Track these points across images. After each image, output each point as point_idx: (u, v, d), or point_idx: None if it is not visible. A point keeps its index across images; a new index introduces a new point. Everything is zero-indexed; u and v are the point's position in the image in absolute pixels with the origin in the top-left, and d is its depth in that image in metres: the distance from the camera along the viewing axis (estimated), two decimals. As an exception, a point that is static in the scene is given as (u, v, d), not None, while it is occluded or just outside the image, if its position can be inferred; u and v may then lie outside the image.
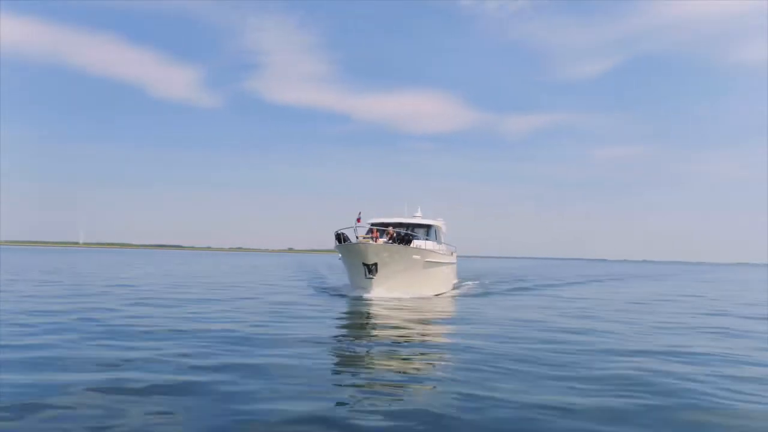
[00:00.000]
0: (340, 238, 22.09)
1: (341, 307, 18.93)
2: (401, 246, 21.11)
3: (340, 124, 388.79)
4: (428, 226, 26.31)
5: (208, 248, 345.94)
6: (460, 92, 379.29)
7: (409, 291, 22.04)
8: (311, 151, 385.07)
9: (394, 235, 22.27)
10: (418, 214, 29.68)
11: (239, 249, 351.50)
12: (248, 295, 22.30)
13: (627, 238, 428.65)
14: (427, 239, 25.39)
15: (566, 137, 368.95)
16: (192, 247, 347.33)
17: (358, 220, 21.57)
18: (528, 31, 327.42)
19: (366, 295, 21.32)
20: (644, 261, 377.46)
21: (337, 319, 16.00)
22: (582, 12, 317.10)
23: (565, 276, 56.39)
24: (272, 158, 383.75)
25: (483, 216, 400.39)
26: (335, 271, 47.42)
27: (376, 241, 21.47)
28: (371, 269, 20.99)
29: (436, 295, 24.42)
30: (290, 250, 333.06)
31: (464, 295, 25.56)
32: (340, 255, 22.83)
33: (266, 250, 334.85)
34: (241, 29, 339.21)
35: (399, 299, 21.06)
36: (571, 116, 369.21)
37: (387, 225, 25.20)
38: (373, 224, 25.51)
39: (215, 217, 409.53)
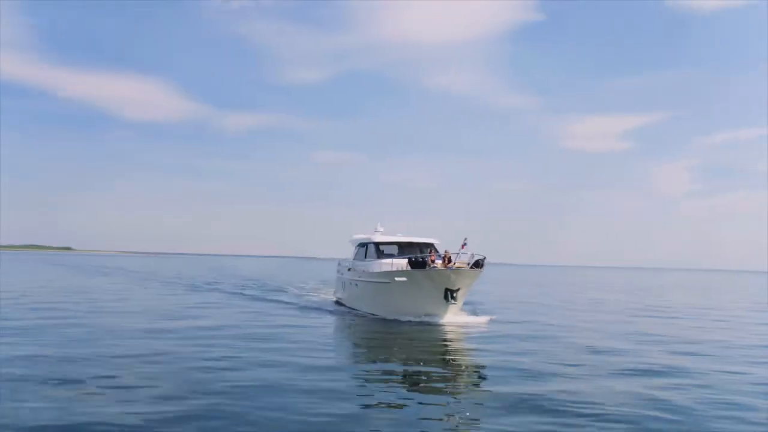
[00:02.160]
0: (418, 263, 21.25)
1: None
2: (478, 270, 20.52)
3: (32, 99, 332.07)
4: (432, 245, 24.88)
5: None
6: (176, 81, 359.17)
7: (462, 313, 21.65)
8: None
9: (450, 257, 21.39)
10: (381, 229, 28.41)
11: None
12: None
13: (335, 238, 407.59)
14: None
15: (285, 139, 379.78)
16: None
17: (463, 246, 20.66)
18: (251, 30, 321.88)
19: (443, 320, 20.69)
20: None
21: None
22: (304, 20, 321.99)
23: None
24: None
25: (201, 213, 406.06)
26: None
27: (447, 265, 20.88)
28: (453, 295, 20.15)
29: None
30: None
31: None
32: (402, 277, 21.15)
33: None
34: None
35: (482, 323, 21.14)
36: (290, 119, 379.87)
37: (405, 244, 24.94)
38: (382, 243, 25.01)
39: None
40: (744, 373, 12.87)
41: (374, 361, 14.22)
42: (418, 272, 20.28)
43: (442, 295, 19.88)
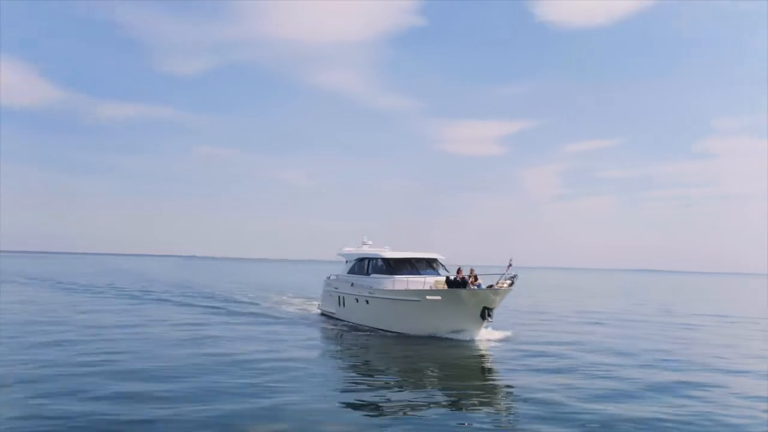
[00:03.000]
0: (456, 283, 21.55)
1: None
2: (510, 288, 21.05)
3: None
4: (436, 260, 25.63)
5: None
6: (44, 66, 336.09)
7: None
8: None
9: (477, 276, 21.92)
10: (369, 242, 29.45)
11: None
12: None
13: (235, 236, 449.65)
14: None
15: (166, 131, 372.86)
16: None
17: (509, 266, 20.76)
18: (127, 17, 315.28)
19: (478, 337, 21.11)
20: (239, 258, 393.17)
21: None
22: (186, 10, 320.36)
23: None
24: None
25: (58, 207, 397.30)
26: None
27: (475, 283, 21.36)
28: (489, 313, 20.71)
29: None
30: None
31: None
32: (436, 296, 21.39)
33: None
34: None
35: (506, 339, 21.74)
36: (170, 111, 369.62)
37: (415, 260, 25.06)
38: (392, 259, 25.00)
39: None
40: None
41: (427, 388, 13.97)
42: (458, 291, 20.81)
43: (479, 313, 20.66)
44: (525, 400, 12.37)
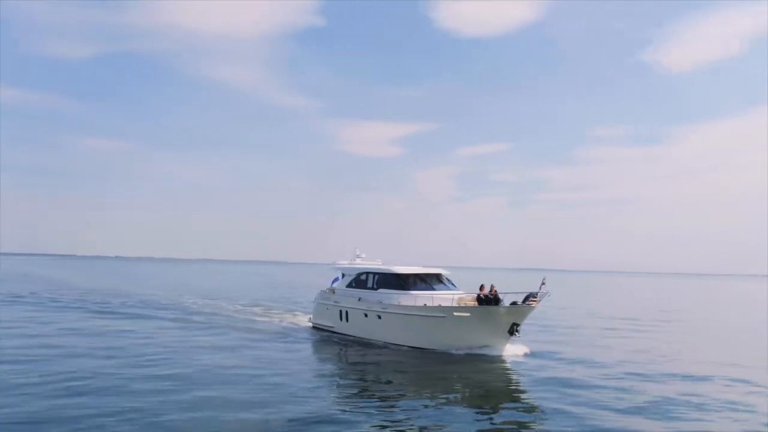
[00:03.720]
0: (489, 300, 22.30)
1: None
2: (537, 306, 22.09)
3: None
4: (440, 274, 26.48)
5: None
6: None
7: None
8: None
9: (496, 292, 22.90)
10: (362, 255, 30.50)
11: None
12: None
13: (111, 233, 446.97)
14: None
15: (39, 120, 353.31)
16: None
17: (542, 284, 21.59)
18: None
19: (503, 353, 22.19)
20: (117, 257, 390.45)
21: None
22: None
23: None
24: None
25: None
26: None
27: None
28: (517, 328, 21.71)
29: None
30: None
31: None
32: (465, 313, 22.23)
33: None
34: None
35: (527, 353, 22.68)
36: (46, 97, 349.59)
37: (424, 275, 25.83)
38: (403, 274, 25.66)
39: None
40: None
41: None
42: (491, 309, 21.91)
43: (507, 329, 21.96)
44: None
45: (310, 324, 31.22)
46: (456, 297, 23.39)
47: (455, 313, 22.32)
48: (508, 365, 20.81)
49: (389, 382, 18.11)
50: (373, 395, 15.98)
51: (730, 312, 54.87)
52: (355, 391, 16.69)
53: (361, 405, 14.53)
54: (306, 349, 24.45)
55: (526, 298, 21.79)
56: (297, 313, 37.63)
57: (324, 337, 27.87)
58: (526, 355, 22.49)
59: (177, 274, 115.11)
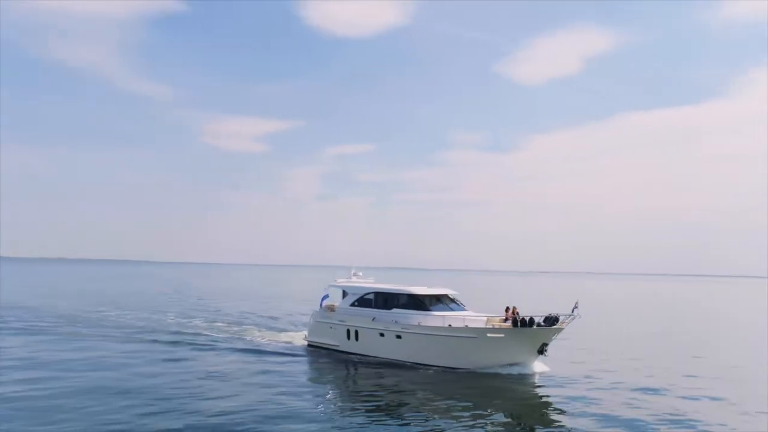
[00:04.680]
0: (524, 322, 23.79)
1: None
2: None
3: None
4: (447, 295, 27.77)
5: None
6: None
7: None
8: None
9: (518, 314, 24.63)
10: (360, 274, 31.61)
11: None
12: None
13: None
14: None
15: None
16: None
17: (575, 308, 23.13)
18: None
19: (536, 370, 24.04)
20: None
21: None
22: None
23: None
24: None
25: None
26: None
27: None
28: (545, 348, 23.62)
29: None
30: None
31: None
32: (500, 334, 23.66)
33: None
34: None
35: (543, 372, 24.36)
36: None
37: (439, 296, 26.97)
38: (420, 295, 26.53)
39: None
40: None
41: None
42: (526, 330, 23.52)
43: (537, 349, 23.83)
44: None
45: (305, 342, 30.94)
46: (485, 318, 24.92)
47: (489, 335, 23.85)
48: (529, 382, 22.80)
49: (429, 402, 19.15)
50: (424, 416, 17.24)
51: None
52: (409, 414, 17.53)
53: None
54: (324, 369, 24.66)
55: (554, 320, 23.84)
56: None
57: (323, 355, 28.07)
58: (553, 372, 24.33)
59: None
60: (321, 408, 18.07)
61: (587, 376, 23.85)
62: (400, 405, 18.70)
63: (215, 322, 40.11)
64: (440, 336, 24.84)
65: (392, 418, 16.98)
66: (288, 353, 28.20)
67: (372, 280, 31.38)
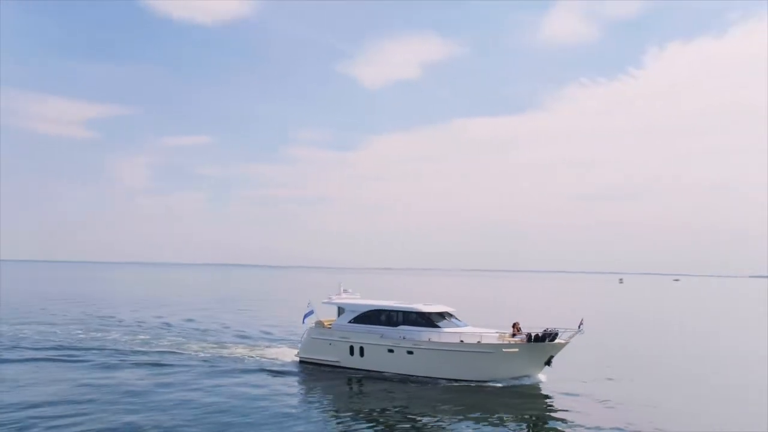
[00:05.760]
0: (538, 338, 26.05)
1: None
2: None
3: None
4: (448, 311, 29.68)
5: None
6: None
7: None
8: None
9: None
10: (349, 290, 32.91)
11: None
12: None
13: None
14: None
15: None
16: None
17: (580, 325, 25.33)
18: None
19: (541, 380, 26.63)
20: None
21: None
22: None
23: None
24: None
25: None
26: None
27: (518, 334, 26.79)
28: (551, 360, 26.15)
29: None
30: None
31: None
32: (514, 349, 25.86)
33: None
34: None
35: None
36: None
37: (444, 313, 28.63)
38: (427, 312, 28.03)
39: None
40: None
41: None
42: (539, 345, 26.02)
43: (544, 361, 26.51)
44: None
45: (297, 359, 30.87)
46: (497, 334, 27.36)
47: (504, 350, 26.34)
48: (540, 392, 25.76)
49: (455, 415, 21.14)
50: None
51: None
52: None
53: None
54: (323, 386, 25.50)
55: (554, 335, 27.06)
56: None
57: (324, 371, 28.72)
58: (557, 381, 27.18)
59: None
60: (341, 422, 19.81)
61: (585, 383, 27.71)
62: (422, 416, 20.74)
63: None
64: (456, 351, 26.63)
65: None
66: (280, 370, 28.29)
67: (358, 296, 32.32)
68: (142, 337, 38.44)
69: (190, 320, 50.12)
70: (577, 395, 24.69)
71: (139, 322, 47.55)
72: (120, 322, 47.53)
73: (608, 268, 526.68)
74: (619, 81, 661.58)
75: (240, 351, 33.57)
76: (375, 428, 19.30)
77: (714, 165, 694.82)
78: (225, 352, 33.31)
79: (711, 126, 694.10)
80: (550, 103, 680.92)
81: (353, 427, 19.33)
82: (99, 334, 38.94)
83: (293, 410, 21.29)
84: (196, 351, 33.11)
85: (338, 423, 19.93)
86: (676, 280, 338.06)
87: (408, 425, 19.70)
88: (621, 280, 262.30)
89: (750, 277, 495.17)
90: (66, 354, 31.32)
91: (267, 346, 35.60)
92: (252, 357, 31.66)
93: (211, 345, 35.65)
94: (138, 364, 28.90)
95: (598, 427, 19.65)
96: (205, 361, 30.36)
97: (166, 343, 36.10)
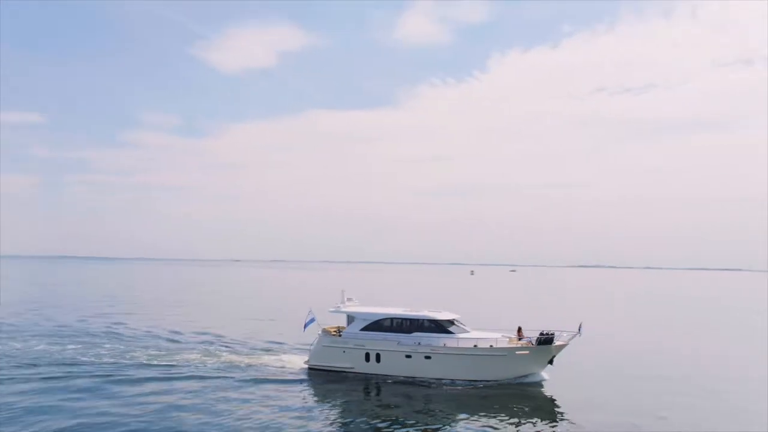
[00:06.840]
0: (547, 340, 28.58)
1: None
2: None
3: None
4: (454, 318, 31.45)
5: None
6: None
7: None
8: None
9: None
10: (354, 299, 33.91)
11: None
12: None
13: None
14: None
15: None
16: None
17: (579, 329, 28.06)
18: None
19: (544, 378, 29.17)
20: None
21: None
22: None
23: None
24: None
25: None
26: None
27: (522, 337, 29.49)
28: (553, 359, 28.84)
29: None
30: None
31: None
32: (525, 351, 28.17)
33: None
34: None
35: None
36: None
37: (452, 320, 30.33)
38: (440, 320, 29.68)
39: None
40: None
41: None
42: (546, 348, 28.68)
43: (547, 361, 29.32)
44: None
45: (306, 366, 31.01)
46: (506, 339, 29.66)
47: (517, 352, 28.87)
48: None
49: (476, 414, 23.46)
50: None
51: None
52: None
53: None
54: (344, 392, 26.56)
55: (550, 337, 29.89)
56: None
57: (341, 378, 29.40)
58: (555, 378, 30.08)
59: None
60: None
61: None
62: (437, 417, 23.05)
63: None
64: (473, 355, 28.63)
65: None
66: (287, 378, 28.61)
67: (357, 302, 33.10)
68: None
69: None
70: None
71: None
72: None
73: (462, 260, 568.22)
74: (466, 83, 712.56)
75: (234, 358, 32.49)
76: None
77: (547, 167, 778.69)
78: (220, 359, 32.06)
79: (537, 131, 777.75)
80: (405, 100, 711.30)
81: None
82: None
83: (331, 416, 22.84)
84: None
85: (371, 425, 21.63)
86: (513, 270, 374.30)
87: (422, 426, 21.57)
88: (472, 271, 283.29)
89: (568, 266, 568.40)
90: None
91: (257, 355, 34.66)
92: (261, 365, 31.47)
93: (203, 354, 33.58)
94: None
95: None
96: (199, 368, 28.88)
97: None
